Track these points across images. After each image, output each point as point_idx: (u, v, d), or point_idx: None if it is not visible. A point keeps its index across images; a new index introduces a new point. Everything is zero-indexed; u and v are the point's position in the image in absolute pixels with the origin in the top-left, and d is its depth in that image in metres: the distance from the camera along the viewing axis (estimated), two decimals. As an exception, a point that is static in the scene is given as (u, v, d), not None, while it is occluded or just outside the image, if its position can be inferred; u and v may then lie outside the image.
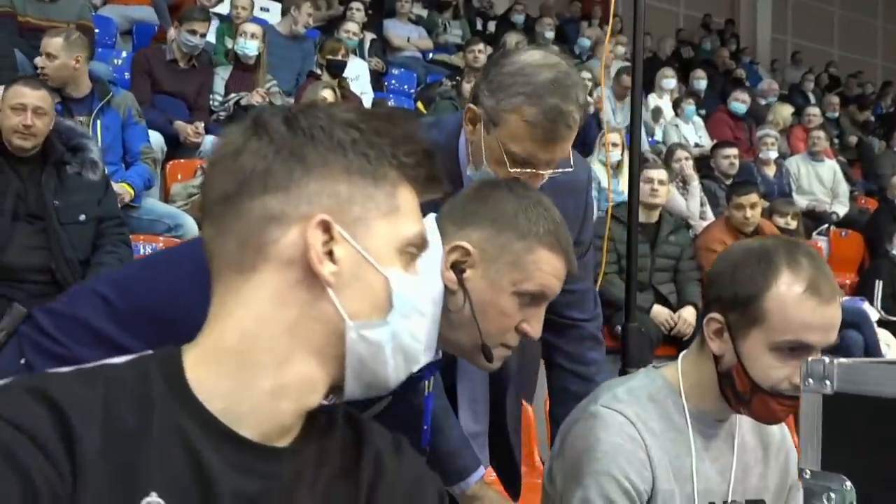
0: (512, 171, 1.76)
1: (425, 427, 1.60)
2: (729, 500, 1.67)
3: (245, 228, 0.97)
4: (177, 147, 5.55)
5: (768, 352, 1.53)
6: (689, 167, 6.53)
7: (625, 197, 6.10)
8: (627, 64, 8.42)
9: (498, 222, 1.48)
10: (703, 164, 7.55)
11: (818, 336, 1.52)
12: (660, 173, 5.23)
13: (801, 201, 7.68)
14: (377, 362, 1.01)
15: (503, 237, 1.47)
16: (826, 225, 7.54)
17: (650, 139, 8.49)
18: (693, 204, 6.44)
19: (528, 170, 1.77)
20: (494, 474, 2.17)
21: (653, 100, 9.20)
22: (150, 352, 1.00)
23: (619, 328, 5.15)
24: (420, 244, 1.04)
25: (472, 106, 1.85)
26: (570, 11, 12.28)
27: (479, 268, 1.47)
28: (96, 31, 6.70)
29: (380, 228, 1.00)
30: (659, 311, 5.22)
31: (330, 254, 0.97)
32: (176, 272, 1.36)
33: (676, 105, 8.98)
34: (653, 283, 5.29)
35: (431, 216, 1.53)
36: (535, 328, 1.52)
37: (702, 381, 1.64)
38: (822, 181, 8.02)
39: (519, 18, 10.32)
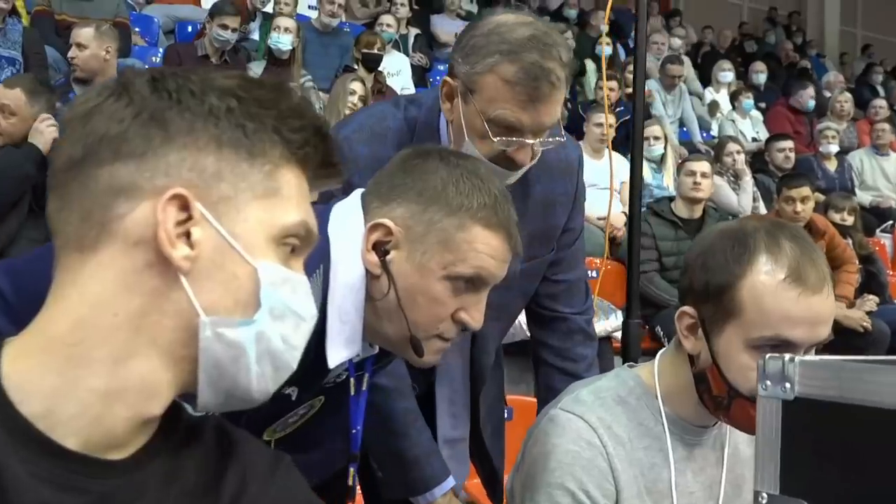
0: (497, 141, 1.59)
1: (354, 430, 1.42)
2: None
3: (89, 200, 0.84)
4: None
5: (745, 350, 1.31)
6: (740, 161, 6.23)
7: (667, 192, 5.87)
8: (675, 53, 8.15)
9: (424, 196, 1.29)
10: (759, 159, 7.25)
11: (802, 331, 1.30)
12: (702, 166, 4.95)
13: (865, 197, 7.31)
14: (238, 368, 0.87)
15: (430, 213, 1.28)
16: (890, 222, 7.13)
17: (704, 133, 8.20)
18: (745, 199, 6.14)
19: (514, 138, 1.59)
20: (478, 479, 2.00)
21: (709, 93, 8.91)
22: None
23: (659, 329, 4.97)
24: (304, 236, 0.91)
25: (447, 79, 1.67)
26: (625, 4, 11.95)
27: (405, 249, 1.29)
28: (136, 29, 6.72)
29: (252, 212, 0.87)
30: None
31: (187, 236, 0.84)
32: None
33: (734, 98, 8.65)
34: (696, 281, 5.02)
35: (357, 191, 1.36)
36: (475, 317, 1.32)
37: (679, 383, 1.43)
38: (886, 176, 7.61)
39: (571, 13, 10.06)
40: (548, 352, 1.95)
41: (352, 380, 1.37)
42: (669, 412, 1.44)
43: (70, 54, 4.79)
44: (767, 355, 0.94)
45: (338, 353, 1.29)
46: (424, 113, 1.73)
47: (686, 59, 9.29)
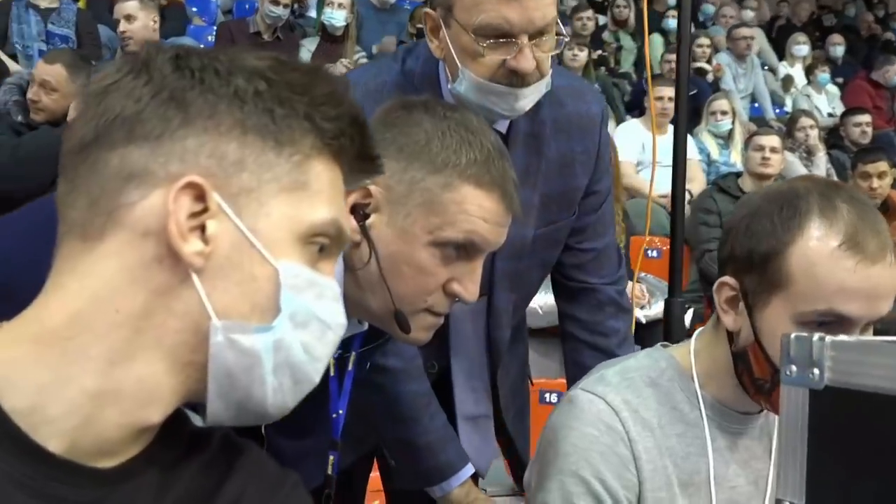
0: (489, 55, 1.44)
1: (335, 415, 1.28)
2: None
3: (98, 185, 0.76)
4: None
5: (793, 326, 1.14)
6: (813, 136, 5.94)
7: (735, 168, 5.62)
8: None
9: (405, 152, 1.14)
10: (834, 135, 6.92)
11: (859, 306, 1.13)
12: (771, 140, 4.71)
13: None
14: (252, 379, 0.78)
15: (412, 171, 1.13)
16: (976, 200, 6.74)
17: (777, 109, 7.88)
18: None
19: (507, 41, 1.44)
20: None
21: (783, 68, 8.56)
22: None
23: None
24: (335, 236, 0.82)
25: (427, 10, 1.53)
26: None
27: (385, 212, 1.14)
28: (193, 9, 6.71)
29: (276, 206, 0.78)
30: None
31: (202, 230, 0.76)
32: (7, 232, 1.11)
33: (809, 73, 8.29)
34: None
35: None
36: (468, 289, 1.17)
37: (718, 365, 1.26)
38: (974, 152, 7.20)
39: (639, -14, 9.76)
40: (576, 326, 1.79)
41: (331, 359, 1.22)
42: (707, 396, 1.28)
43: (120, 28, 4.77)
44: (793, 334, 0.78)
45: None
46: (422, 64, 1.59)
47: (760, 32, 8.94)
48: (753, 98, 7.78)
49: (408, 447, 1.61)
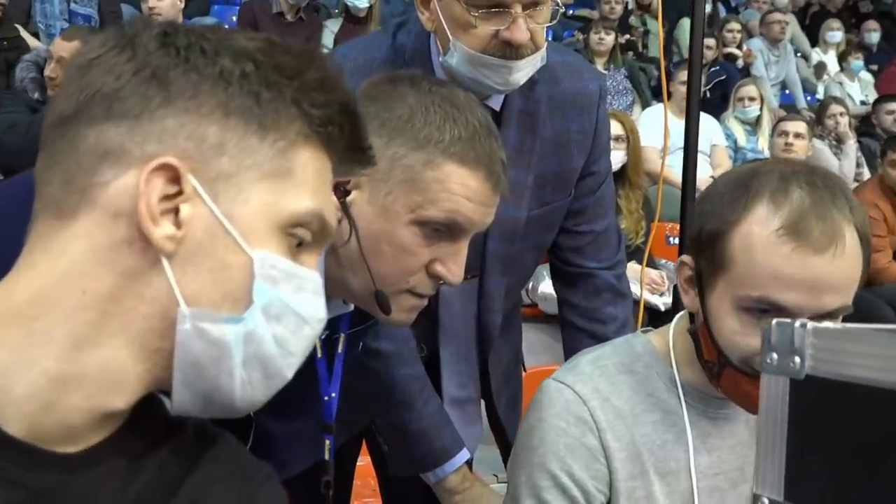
0: (481, 26, 1.40)
1: (328, 397, 1.25)
2: None
3: (74, 163, 0.74)
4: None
5: (733, 311, 1.11)
6: (844, 124, 5.82)
7: (762, 155, 5.52)
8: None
9: (387, 127, 1.10)
10: (866, 123, 6.78)
11: (796, 296, 1.08)
12: (797, 126, 4.63)
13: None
14: (219, 370, 0.75)
15: (393, 146, 1.09)
16: None
17: (809, 96, 7.74)
18: (847, 164, 5.74)
19: (500, 10, 1.39)
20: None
21: (816, 55, 8.41)
22: None
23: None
24: (318, 229, 0.79)
25: None
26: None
27: (366, 188, 1.10)
28: (219, -12, 6.69)
29: (256, 193, 0.75)
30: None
31: (176, 213, 0.73)
32: None
33: (842, 59, 8.14)
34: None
35: None
36: (452, 271, 1.13)
37: (689, 347, 1.22)
38: None
39: (670, -30, 9.62)
40: (573, 313, 1.74)
41: (317, 340, 1.19)
42: (687, 382, 1.23)
43: (150, 4, 4.76)
44: (774, 320, 0.73)
45: None
46: (413, 38, 1.54)
47: (793, 18, 8.79)
48: (784, 85, 7.65)
49: (401, 432, 1.57)
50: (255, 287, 0.75)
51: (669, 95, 5.59)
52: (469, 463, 1.66)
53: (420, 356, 1.59)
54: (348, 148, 0.81)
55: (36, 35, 5.01)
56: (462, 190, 1.09)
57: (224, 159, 0.74)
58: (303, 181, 0.77)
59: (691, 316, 1.21)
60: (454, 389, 1.66)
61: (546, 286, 3.62)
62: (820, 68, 8.15)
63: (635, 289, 3.80)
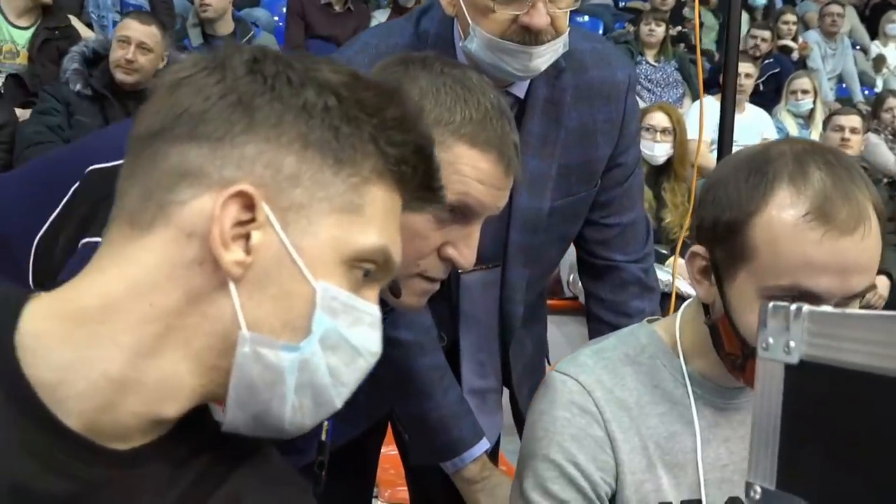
0: (500, 10, 1.38)
1: None
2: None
3: (153, 178, 0.76)
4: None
5: (759, 301, 1.05)
6: (902, 117, 5.67)
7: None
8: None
9: None
10: (926, 117, 6.60)
11: (828, 281, 1.04)
12: (851, 120, 4.52)
13: None
14: (272, 394, 0.77)
15: None
16: None
17: (867, 90, 7.56)
18: (904, 159, 5.59)
19: None
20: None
21: (875, 47, 8.21)
22: None
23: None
24: (383, 263, 0.81)
25: None
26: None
27: None
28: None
29: (325, 227, 0.77)
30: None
31: (247, 239, 0.75)
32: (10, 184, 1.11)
33: (904, 52, 7.95)
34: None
35: None
36: (464, 254, 1.12)
37: (701, 338, 1.19)
38: None
39: (726, -39, 9.46)
40: (600, 306, 1.71)
41: None
42: (693, 372, 1.20)
43: None
44: (770, 303, 0.70)
45: None
46: (437, 24, 1.52)
47: (852, 10, 8.59)
48: (841, 78, 7.48)
49: (420, 422, 1.56)
50: (315, 317, 0.76)
51: (718, 88, 5.52)
52: (491, 453, 1.65)
53: (441, 345, 1.58)
54: (420, 187, 0.83)
55: (89, 26, 5.09)
56: (473, 172, 1.08)
57: (298, 190, 0.76)
58: (371, 217, 0.79)
59: (705, 308, 1.17)
60: (474, 379, 1.65)
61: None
62: (879, 61, 7.95)
63: (678, 283, 3.75)
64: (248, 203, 0.74)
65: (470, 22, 1.41)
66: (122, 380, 0.75)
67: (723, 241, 1.10)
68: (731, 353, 1.13)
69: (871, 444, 0.63)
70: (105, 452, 0.76)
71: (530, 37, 1.39)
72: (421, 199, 0.85)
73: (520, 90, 1.53)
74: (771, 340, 0.70)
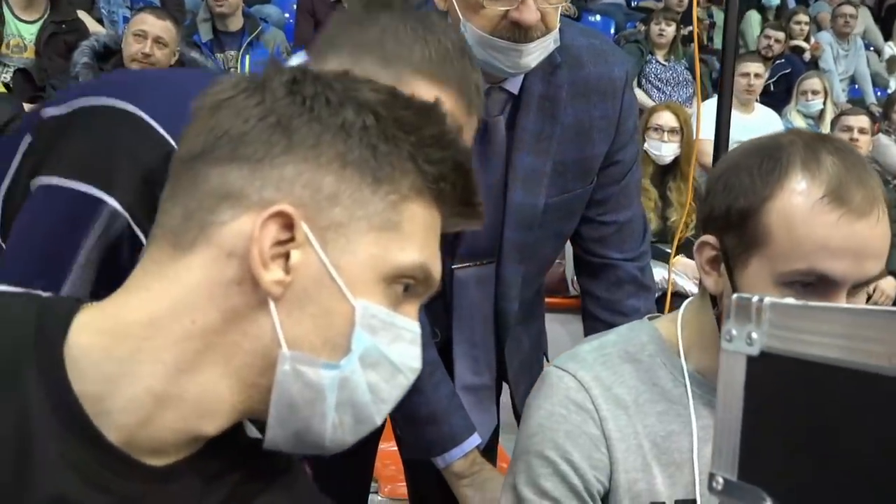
0: (489, 6, 1.38)
1: None
2: None
3: (195, 199, 0.78)
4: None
5: (774, 288, 1.05)
6: (912, 119, 5.64)
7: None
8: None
9: (359, 47, 1.11)
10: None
11: (844, 265, 1.04)
12: (860, 120, 4.50)
13: None
14: (313, 412, 0.78)
15: (362, 65, 1.08)
16: None
17: (880, 92, 7.52)
18: (915, 161, 5.55)
19: None
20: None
21: (889, 49, 8.17)
22: (45, 294, 0.82)
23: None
24: (423, 279, 0.81)
25: None
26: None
27: None
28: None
29: (363, 245, 0.78)
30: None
31: (286, 258, 0.76)
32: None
33: (918, 54, 7.90)
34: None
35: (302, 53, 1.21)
36: None
37: (704, 334, 1.18)
38: None
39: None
40: (595, 304, 1.72)
41: None
42: (694, 371, 1.20)
43: None
44: (735, 295, 0.70)
45: None
46: None
47: (865, 11, 8.55)
48: (854, 80, 7.45)
49: (410, 417, 1.56)
50: (355, 335, 0.77)
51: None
52: (490, 449, 1.65)
53: (434, 342, 1.58)
54: (458, 203, 0.83)
55: (99, 21, 5.12)
56: None
57: (337, 210, 0.76)
58: (410, 234, 0.79)
59: (713, 299, 1.16)
60: (468, 376, 1.65)
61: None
62: (893, 63, 7.92)
63: (681, 282, 3.74)
64: (288, 223, 0.75)
65: (461, 17, 1.42)
66: (162, 395, 0.76)
67: (735, 227, 1.09)
68: None
69: (830, 435, 0.63)
70: (141, 467, 0.77)
71: (520, 33, 1.39)
72: (459, 215, 0.85)
73: (514, 86, 1.54)
74: (734, 332, 0.70)
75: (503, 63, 1.43)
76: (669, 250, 3.90)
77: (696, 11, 2.37)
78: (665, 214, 4.10)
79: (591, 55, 1.59)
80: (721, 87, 2.14)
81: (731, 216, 1.09)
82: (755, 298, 0.68)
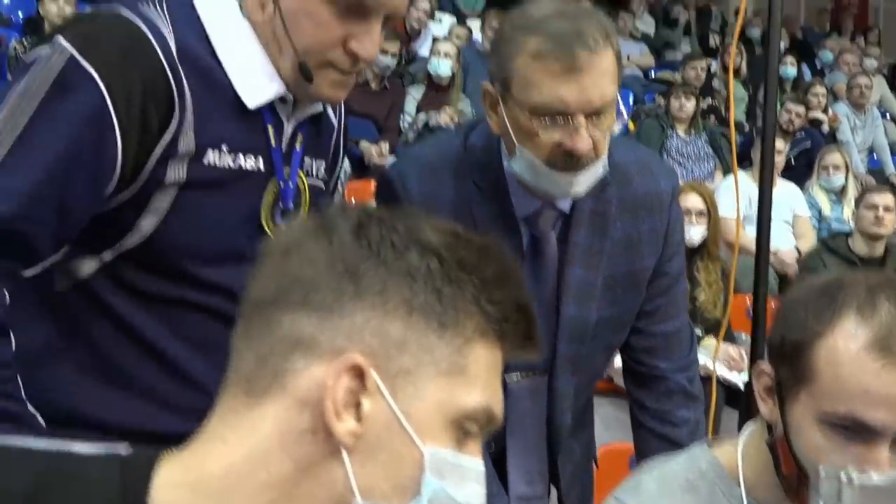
0: (544, 135, 1.43)
1: (282, 182, 1.35)
2: None
3: (267, 345, 0.79)
4: (364, 168, 5.51)
5: (817, 425, 1.08)
6: (934, 192, 5.66)
7: (846, 227, 5.41)
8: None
9: None
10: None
11: (883, 415, 1.06)
12: (885, 198, 4.53)
13: None
14: None
15: None
16: None
17: (897, 159, 7.57)
18: (937, 234, 5.57)
19: (562, 121, 1.43)
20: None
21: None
22: (124, 452, 0.82)
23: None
24: (486, 421, 0.82)
25: (485, 85, 1.52)
26: (818, 24, 11.33)
27: None
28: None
29: (431, 391, 0.79)
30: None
31: (357, 407, 0.77)
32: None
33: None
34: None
35: None
36: (366, 48, 1.26)
37: (763, 462, 1.20)
38: None
39: (754, 32, 9.56)
40: (645, 414, 1.74)
41: (269, 127, 1.31)
42: (754, 500, 1.21)
43: None
44: (822, 470, 0.74)
45: (257, 91, 1.27)
46: (484, 139, 1.58)
47: (881, 80, 8.65)
48: (872, 150, 7.50)
49: None
50: (424, 480, 0.78)
51: (751, 162, 5.56)
52: None
53: (489, 453, 1.61)
54: (520, 340, 0.84)
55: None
56: None
57: (405, 357, 0.78)
58: (475, 376, 0.80)
59: (768, 427, 1.18)
60: (522, 487, 1.67)
61: (620, 360, 3.60)
62: (913, 125, 7.98)
63: (710, 365, 3.75)
64: (359, 372, 0.77)
65: (516, 143, 1.47)
66: None
67: (788, 360, 1.12)
68: (788, 476, 1.14)
69: None
70: None
71: (572, 161, 1.44)
72: (518, 349, 0.85)
73: (564, 204, 1.59)
74: (822, 505, 0.74)
75: (555, 190, 1.49)
76: (699, 332, 3.91)
77: (731, 99, 2.43)
78: (693, 295, 4.13)
79: (638, 170, 1.64)
80: (762, 168, 2.19)
81: (786, 348, 1.13)
82: (843, 478, 0.72)
